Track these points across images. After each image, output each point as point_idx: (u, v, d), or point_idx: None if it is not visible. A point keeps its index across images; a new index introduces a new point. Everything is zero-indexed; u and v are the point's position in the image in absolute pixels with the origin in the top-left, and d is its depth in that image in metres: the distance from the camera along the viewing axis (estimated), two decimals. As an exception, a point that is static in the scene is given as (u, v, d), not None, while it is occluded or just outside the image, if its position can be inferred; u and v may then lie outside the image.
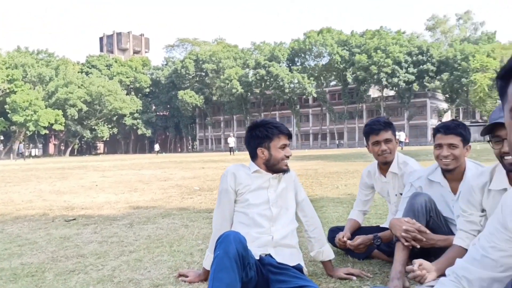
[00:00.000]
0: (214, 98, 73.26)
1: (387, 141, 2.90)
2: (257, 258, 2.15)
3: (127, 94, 76.67)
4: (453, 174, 2.57)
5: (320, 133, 69.21)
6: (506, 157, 1.88)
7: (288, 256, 2.25)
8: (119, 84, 73.47)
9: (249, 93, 69.08)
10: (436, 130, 2.56)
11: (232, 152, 36.58)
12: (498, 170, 2.06)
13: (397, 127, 59.10)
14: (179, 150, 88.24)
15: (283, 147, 2.37)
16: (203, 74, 74.53)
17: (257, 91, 68.25)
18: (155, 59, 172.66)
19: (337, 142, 64.24)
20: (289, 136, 2.40)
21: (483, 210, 2.21)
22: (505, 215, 1.14)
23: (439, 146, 2.52)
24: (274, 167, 2.38)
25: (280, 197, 2.38)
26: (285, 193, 2.42)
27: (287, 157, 2.38)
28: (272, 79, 64.95)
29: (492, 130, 1.91)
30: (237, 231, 1.99)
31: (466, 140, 2.50)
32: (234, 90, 67.01)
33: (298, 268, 2.24)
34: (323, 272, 2.69)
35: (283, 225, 2.34)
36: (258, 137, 2.38)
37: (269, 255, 2.21)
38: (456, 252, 2.15)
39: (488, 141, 1.98)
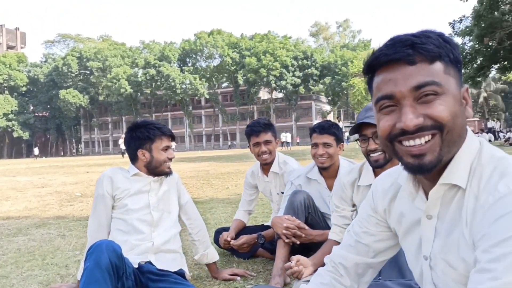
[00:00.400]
0: (101, 98, 69.42)
1: (266, 142, 2.97)
2: (136, 266, 2.05)
3: (-1, 93, 69.23)
4: (328, 171, 2.72)
5: (213, 134, 69.51)
6: (371, 155, 2.03)
7: (169, 262, 2.17)
8: (-11, 82, 66.05)
9: (139, 93, 66.72)
10: (312, 130, 2.69)
11: (123, 155, 34.49)
12: (365, 167, 2.22)
13: (285, 128, 61.09)
14: (62, 153, 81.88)
15: (165, 149, 2.29)
16: (88, 72, 70.20)
17: (148, 91, 66.24)
18: (33, 55, 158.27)
19: (229, 143, 64.97)
20: (171, 137, 2.34)
21: (354, 205, 2.37)
22: (376, 199, 1.19)
23: (315, 145, 2.65)
24: (156, 170, 2.29)
25: (162, 201, 2.30)
26: (167, 196, 2.34)
27: (170, 159, 2.31)
28: (163, 79, 63.54)
29: (359, 130, 2.04)
30: (111, 240, 1.87)
31: (339, 139, 2.66)
32: (122, 90, 64.21)
33: (180, 273, 2.18)
34: (208, 275, 2.66)
35: (165, 229, 2.26)
36: (139, 139, 2.27)
37: (149, 262, 2.11)
38: (331, 246, 2.26)
39: (356, 140, 2.12)
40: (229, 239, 2.98)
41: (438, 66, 0.90)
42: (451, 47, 0.92)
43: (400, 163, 0.97)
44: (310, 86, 61.84)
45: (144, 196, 2.27)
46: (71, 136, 77.14)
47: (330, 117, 64.40)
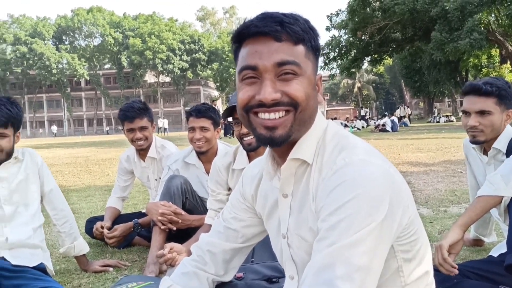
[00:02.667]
0: (-39, 76, 61.14)
1: (142, 128, 2.82)
2: (-14, 263, 1.81)
3: None
4: (206, 155, 2.69)
5: (96, 118, 65.59)
6: (244, 138, 2.04)
7: (27, 257, 1.96)
8: None
9: (7, 73, 59.92)
10: (189, 114, 2.63)
11: None
12: (240, 151, 2.23)
13: (173, 113, 60.01)
14: None
15: None
16: None
17: (18, 70, 59.78)
18: None
19: (107, 129, 61.24)
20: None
21: (229, 189, 2.38)
22: (244, 185, 1.21)
23: (192, 129, 2.60)
24: None
25: (16, 192, 2.05)
26: (24, 187, 2.09)
27: None
28: (36, 58, 57.77)
29: (232, 113, 2.04)
30: None
31: (216, 123, 2.64)
32: (-13, 68, 57.26)
33: (40, 268, 1.97)
34: (77, 268, 2.48)
35: (22, 224, 2.02)
36: None
37: (3, 258, 1.88)
38: (207, 230, 2.24)
39: (229, 123, 2.12)
40: (105, 230, 2.79)
41: (301, 48, 0.94)
42: (314, 34, 0.97)
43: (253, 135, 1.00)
44: (198, 71, 61.49)
45: None
46: None
47: (219, 103, 64.92)
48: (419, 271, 0.98)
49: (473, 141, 2.07)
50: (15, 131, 2.02)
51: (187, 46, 59.47)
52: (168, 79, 64.13)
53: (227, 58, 58.68)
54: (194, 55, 59.57)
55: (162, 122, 36.96)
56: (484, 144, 2.09)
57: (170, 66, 58.05)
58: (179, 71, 58.87)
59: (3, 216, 1.99)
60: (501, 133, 2.01)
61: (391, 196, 0.86)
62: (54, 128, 46.49)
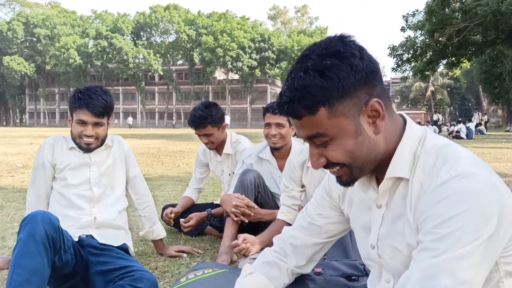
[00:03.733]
0: (48, 67, 65.93)
1: (207, 135, 2.89)
2: (76, 239, 1.97)
3: None
4: (280, 152, 2.73)
5: (167, 112, 68.17)
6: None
7: (112, 237, 2.10)
8: None
9: (89, 65, 63.94)
10: (266, 110, 2.67)
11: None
12: (316, 149, 2.24)
13: (240, 110, 60.74)
14: (5, 123, 77.61)
15: (81, 123, 2.07)
16: (35, 39, 66.36)
17: (98, 63, 63.62)
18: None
19: (173, 123, 63.25)
20: (94, 113, 2.05)
21: (303, 186, 2.39)
22: (331, 184, 1.22)
23: (268, 125, 2.64)
24: (75, 143, 2.14)
25: (104, 176, 2.19)
26: (111, 171, 2.24)
27: (87, 136, 2.08)
28: (115, 52, 61.15)
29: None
30: (48, 211, 1.77)
31: None
32: (71, 60, 61.26)
33: (123, 248, 2.11)
34: (153, 251, 2.62)
35: (108, 205, 2.17)
36: (70, 104, 2.12)
37: (90, 236, 2.03)
38: (278, 225, 2.28)
39: None
40: (172, 215, 2.94)
41: (322, 113, 0.91)
42: (338, 78, 0.89)
43: None
44: (266, 70, 61.80)
45: (85, 170, 2.16)
46: (15, 105, 73.14)
47: (285, 102, 64.84)
48: None
49: None
50: (108, 119, 2.17)
51: (257, 45, 60.03)
52: (236, 77, 65.10)
53: (295, 57, 58.17)
54: (263, 53, 60.01)
55: (129, 120, 33.01)
56: None
57: (240, 64, 58.91)
58: (247, 68, 59.57)
59: (92, 197, 2.14)
60: None
61: (499, 210, 0.84)
62: (130, 119, 48.52)
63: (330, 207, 1.24)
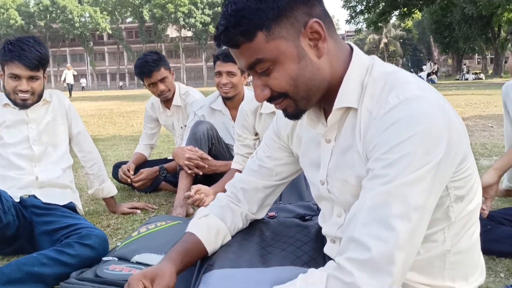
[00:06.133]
0: (-14, 29, 61.64)
1: (162, 80, 2.77)
2: (18, 200, 1.85)
3: None
4: (233, 101, 2.65)
5: (118, 72, 65.84)
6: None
7: (57, 196, 1.99)
8: None
9: (31, 26, 60.06)
10: (216, 58, 2.56)
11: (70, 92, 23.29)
12: (268, 94, 2.17)
13: (195, 68, 59.69)
14: None
15: (14, 77, 1.92)
16: (-32, -1, 61.47)
17: (42, 23, 59.89)
18: None
19: (120, 84, 60.92)
20: (28, 66, 1.89)
21: (256, 134, 2.34)
22: (279, 125, 1.18)
23: (218, 73, 2.54)
24: (9, 99, 1.99)
25: (44, 133, 2.06)
26: (52, 127, 2.10)
27: (22, 91, 1.93)
28: (59, 11, 57.61)
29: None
30: None
31: None
32: (12, 21, 57.27)
33: (70, 206, 2.01)
34: (105, 209, 2.53)
35: (51, 164, 2.05)
36: (0, 57, 1.94)
37: (33, 196, 1.92)
38: (233, 175, 2.20)
39: None
40: (131, 172, 2.82)
41: (260, 38, 0.86)
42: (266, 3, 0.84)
43: None
44: (220, 25, 60.46)
45: (23, 128, 2.02)
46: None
47: (240, 58, 64.16)
48: (469, 207, 0.94)
49: None
50: (44, 72, 2.00)
51: (209, -1, 58.28)
52: (190, 34, 63.38)
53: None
54: (216, 8, 58.35)
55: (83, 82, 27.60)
56: None
57: (192, 20, 57.18)
58: (201, 25, 57.98)
59: (33, 155, 2.01)
60: None
61: (449, 132, 0.82)
62: (83, 81, 45.69)
63: (279, 148, 1.20)
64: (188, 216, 2.34)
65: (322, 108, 1.01)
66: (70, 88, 23.25)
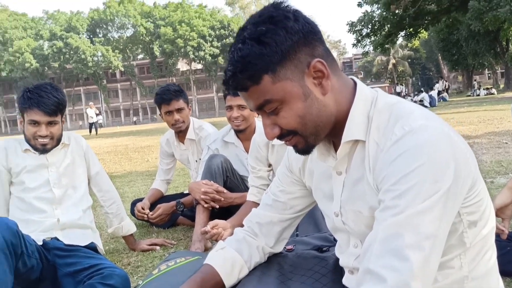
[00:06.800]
0: (3, 74, 63.44)
1: (179, 110, 2.85)
2: (40, 243, 1.89)
3: None
4: (245, 134, 2.69)
5: (132, 108, 66.94)
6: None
7: (78, 237, 2.03)
8: None
9: (46, 68, 61.83)
10: (226, 93, 2.62)
11: (94, 130, 23.26)
12: (279, 126, 2.22)
13: (206, 99, 60.39)
14: (-38, 136, 74.62)
15: (34, 123, 1.99)
16: (-15, 46, 63.74)
17: (56, 65, 61.54)
18: None
19: (134, 120, 62.22)
20: (47, 112, 1.96)
21: (270, 165, 2.38)
22: (290, 160, 1.21)
23: (229, 107, 2.60)
24: (30, 145, 2.05)
25: (64, 176, 2.11)
26: (71, 170, 2.16)
27: (42, 136, 2.00)
28: (72, 52, 59.32)
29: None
30: (5, 217, 1.69)
31: None
32: (27, 65, 59.08)
33: (91, 247, 2.04)
34: (125, 247, 2.56)
35: (71, 206, 2.09)
36: (20, 105, 2.02)
37: (55, 238, 1.96)
38: (249, 207, 2.25)
39: None
40: (146, 210, 2.86)
41: (266, 81, 0.90)
42: (275, 42, 0.88)
43: None
44: (229, 56, 61.39)
45: (43, 172, 2.08)
46: (-29, 116, 70.26)
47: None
48: (483, 232, 0.95)
49: None
50: (62, 116, 2.08)
51: (217, 32, 59.44)
52: (200, 66, 64.45)
53: (257, 42, 58.10)
54: (224, 40, 59.50)
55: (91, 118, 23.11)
56: None
57: (202, 53, 58.28)
58: (210, 57, 59.01)
59: (54, 198, 2.06)
60: None
61: (455, 159, 0.84)
62: (100, 117, 46.39)
63: (292, 182, 1.23)
64: (207, 250, 2.36)
65: (331, 142, 1.05)
66: (95, 126, 23.24)
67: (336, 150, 1.02)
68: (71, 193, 2.14)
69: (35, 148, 2.06)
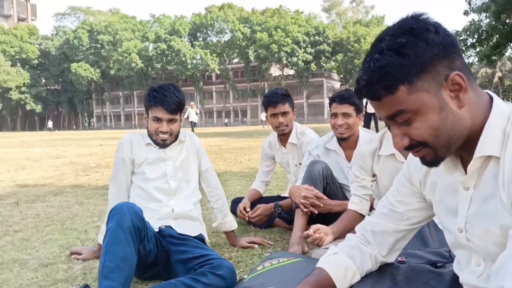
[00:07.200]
0: (112, 72, 69.25)
1: (284, 114, 2.94)
2: (156, 230, 2.07)
3: (12, 65, 69.37)
4: (347, 142, 2.70)
5: (224, 110, 69.37)
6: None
7: (189, 227, 2.19)
8: (2, 55, 66.28)
9: (149, 68, 66.54)
10: (332, 100, 2.65)
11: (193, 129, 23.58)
12: (386, 137, 2.19)
13: (296, 105, 61.44)
14: (74, 127, 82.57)
15: (157, 120, 2.17)
16: (99, 46, 69.95)
17: (158, 66, 65.98)
18: (44, 28, 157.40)
19: (225, 122, 64.05)
20: (169, 110, 2.14)
21: (374, 175, 2.35)
22: (411, 171, 1.21)
23: (334, 115, 2.62)
24: (152, 139, 2.25)
25: (179, 170, 2.29)
26: (185, 165, 2.33)
27: (163, 132, 2.18)
28: (173, 54, 63.20)
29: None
30: (133, 203, 1.88)
31: (359, 109, 2.62)
32: (133, 64, 64.10)
33: (200, 238, 2.19)
34: (226, 242, 2.69)
35: (184, 198, 2.26)
36: (145, 102, 2.23)
37: (169, 227, 2.13)
38: (350, 215, 2.27)
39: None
40: (248, 209, 2.98)
41: (402, 91, 0.90)
42: (414, 54, 0.89)
43: None
44: (321, 63, 61.07)
45: (161, 165, 2.26)
46: (83, 110, 77.59)
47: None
48: None
49: None
50: (181, 115, 2.26)
51: (311, 38, 59.49)
52: (292, 72, 64.89)
53: (352, 49, 57.26)
54: (318, 46, 59.36)
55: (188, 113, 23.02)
56: None
57: (295, 59, 58.68)
58: (303, 63, 59.21)
59: (169, 190, 2.24)
60: None
61: None
62: (196, 117, 48.18)
63: (410, 194, 1.22)
64: (304, 253, 2.40)
65: (459, 155, 1.03)
66: (193, 125, 24.15)
67: (463, 164, 1.01)
68: (184, 186, 2.30)
69: (156, 143, 2.25)
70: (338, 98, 2.63)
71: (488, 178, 0.96)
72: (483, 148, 0.94)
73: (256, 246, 2.60)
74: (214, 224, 2.54)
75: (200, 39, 66.93)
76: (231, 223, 2.57)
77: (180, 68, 63.65)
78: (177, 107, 2.19)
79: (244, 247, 2.58)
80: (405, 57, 0.89)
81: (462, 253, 1.09)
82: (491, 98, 0.98)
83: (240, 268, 2.26)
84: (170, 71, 66.94)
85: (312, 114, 61.81)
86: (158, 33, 64.86)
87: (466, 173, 1.00)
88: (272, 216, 3.03)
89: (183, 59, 62.54)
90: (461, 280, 1.10)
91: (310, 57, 59.15)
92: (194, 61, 64.11)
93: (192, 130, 23.63)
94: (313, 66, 60.51)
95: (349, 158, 2.71)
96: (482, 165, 0.97)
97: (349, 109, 2.58)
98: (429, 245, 1.81)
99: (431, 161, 0.99)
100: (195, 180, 2.38)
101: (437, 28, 0.91)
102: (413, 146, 0.97)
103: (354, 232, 1.34)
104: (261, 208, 2.94)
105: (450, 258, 1.33)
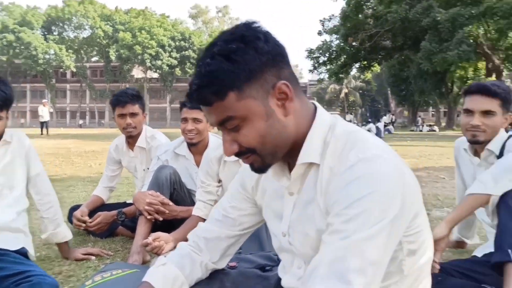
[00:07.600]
0: None
1: (132, 115, 2.80)
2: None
3: None
4: (197, 147, 2.66)
5: (79, 111, 64.66)
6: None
7: (9, 240, 1.90)
8: None
9: (-8, 60, 58.91)
10: (183, 105, 2.60)
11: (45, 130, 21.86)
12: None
13: (159, 109, 59.55)
14: None
15: None
16: None
17: (4, 58, 58.67)
18: None
19: (80, 122, 60.48)
20: None
21: (219, 181, 2.36)
22: (244, 176, 1.21)
23: (184, 120, 2.57)
24: None
25: (1, 174, 1.98)
26: (10, 169, 2.03)
27: None
28: (22, 47, 56.77)
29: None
30: None
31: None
32: (-28, 55, 56.08)
33: (22, 252, 1.92)
34: (58, 255, 2.43)
35: (5, 207, 1.96)
36: None
37: (-17, 241, 1.82)
38: (194, 221, 2.22)
39: None
40: (85, 218, 2.72)
41: (231, 97, 0.90)
42: (244, 61, 0.89)
43: None
44: (187, 69, 61.04)
45: None
46: None
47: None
48: (421, 261, 0.99)
49: (472, 141, 2.02)
50: (7, 112, 1.97)
51: (177, 43, 59.08)
52: (156, 75, 63.60)
53: (216, 57, 58.22)
54: (184, 52, 59.20)
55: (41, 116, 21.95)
56: (476, 146, 2.10)
57: (159, 62, 57.59)
58: (167, 67, 58.44)
59: None
60: (496, 136, 2.01)
61: (403, 191, 0.87)
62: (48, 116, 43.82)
63: (244, 199, 1.23)
64: (145, 263, 2.28)
65: (287, 162, 1.05)
66: (46, 126, 22.00)
67: (291, 171, 1.03)
68: (7, 193, 2.00)
69: None
70: (189, 103, 2.58)
71: (309, 184, 0.99)
72: (305, 155, 0.97)
73: (93, 257, 2.39)
74: (44, 236, 2.26)
75: (55, 33, 61.44)
76: (65, 233, 2.31)
77: (30, 62, 57.36)
78: (3, 103, 1.89)
79: (79, 259, 2.35)
80: (234, 63, 0.88)
81: (286, 256, 1.12)
82: (316, 108, 1.02)
83: (70, 283, 2.05)
84: (17, 65, 59.95)
85: (175, 118, 61.15)
86: (5, 22, 57.70)
87: None
88: (114, 224, 2.83)
89: (34, 53, 56.55)
90: (282, 283, 1.12)
91: (175, 62, 58.64)
92: (47, 56, 58.47)
93: (47, 132, 21.57)
94: (178, 71, 60.11)
95: (198, 164, 2.67)
96: (305, 172, 1.00)
97: (199, 114, 2.55)
98: (266, 248, 1.85)
99: (259, 168, 0.99)
100: (20, 186, 2.09)
101: (267, 37, 0.92)
102: (242, 153, 0.96)
103: None
104: (102, 215, 2.73)
105: (278, 261, 1.37)
